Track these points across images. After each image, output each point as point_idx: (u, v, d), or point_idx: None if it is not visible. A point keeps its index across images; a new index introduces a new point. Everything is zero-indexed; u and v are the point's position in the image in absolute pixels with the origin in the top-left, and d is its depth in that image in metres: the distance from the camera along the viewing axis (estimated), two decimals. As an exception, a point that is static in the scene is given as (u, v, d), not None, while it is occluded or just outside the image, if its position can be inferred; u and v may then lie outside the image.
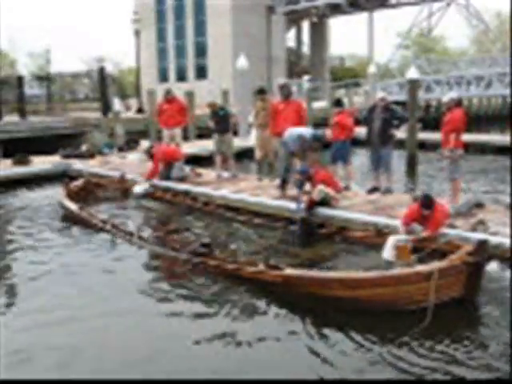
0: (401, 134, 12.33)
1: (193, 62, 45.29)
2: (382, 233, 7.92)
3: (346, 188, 10.47)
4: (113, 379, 4.70)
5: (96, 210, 10.47)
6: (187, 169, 12.63)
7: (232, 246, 8.08)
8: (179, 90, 22.99)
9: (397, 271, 6.08)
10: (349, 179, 10.89)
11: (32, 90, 27.10)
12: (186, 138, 19.07)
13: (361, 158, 16.60)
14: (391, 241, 7.24)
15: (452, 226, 7.57)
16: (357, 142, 11.83)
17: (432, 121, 29.51)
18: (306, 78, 31.01)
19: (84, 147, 17.30)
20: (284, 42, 46.80)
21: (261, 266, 6.61)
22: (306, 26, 52.65)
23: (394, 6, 46.52)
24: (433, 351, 4.94)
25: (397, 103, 15.14)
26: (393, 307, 5.74)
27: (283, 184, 10.37)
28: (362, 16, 47.28)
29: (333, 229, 8.67)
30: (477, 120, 34.11)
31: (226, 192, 10.80)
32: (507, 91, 31.17)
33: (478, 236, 6.81)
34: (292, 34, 52.96)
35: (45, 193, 13.09)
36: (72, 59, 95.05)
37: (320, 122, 23.03)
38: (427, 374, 4.61)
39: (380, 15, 60.37)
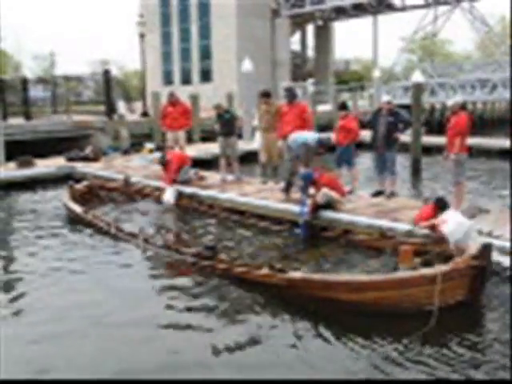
0: (405, 137, 12.33)
1: (197, 65, 45.36)
2: (386, 236, 7.92)
3: (351, 191, 10.46)
4: (113, 379, 4.71)
5: (100, 213, 10.50)
6: (191, 172, 12.64)
7: (237, 248, 8.11)
8: (184, 93, 23.05)
9: (401, 274, 6.08)
10: (353, 183, 10.88)
11: (37, 92, 27.14)
12: (190, 140, 19.11)
13: (365, 162, 16.59)
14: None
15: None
16: (361, 146, 11.82)
17: (436, 124, 29.52)
18: (310, 81, 31.00)
19: (88, 150, 17.33)
20: (289, 46, 46.82)
21: (265, 269, 6.61)
22: (310, 29, 52.66)
23: (398, 10, 46.51)
24: (437, 354, 4.94)
25: (401, 107, 15.16)
26: (397, 310, 5.74)
27: (288, 187, 10.37)
28: (367, 20, 47.34)
29: (337, 232, 8.67)
30: (481, 124, 34.06)
31: (232, 195, 10.81)
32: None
33: (482, 239, 6.80)
34: (297, 37, 52.96)
35: (49, 195, 13.13)
36: (76, 62, 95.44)
37: (324, 126, 23.08)
38: (431, 376, 4.61)
39: (385, 19, 60.49)
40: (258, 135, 11.88)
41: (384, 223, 8.26)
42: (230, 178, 12.39)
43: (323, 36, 50.46)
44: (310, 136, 10.17)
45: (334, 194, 9.02)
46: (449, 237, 6.73)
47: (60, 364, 4.96)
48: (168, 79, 47.07)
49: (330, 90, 39.72)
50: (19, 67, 61.72)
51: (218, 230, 9.68)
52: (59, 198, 11.64)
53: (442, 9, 44.72)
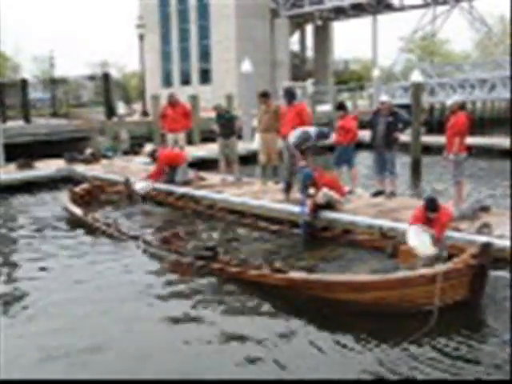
0: (405, 137, 12.33)
1: (197, 66, 45.40)
2: (386, 236, 7.92)
3: (351, 192, 10.45)
4: (113, 379, 4.72)
5: (100, 214, 10.49)
6: (191, 173, 12.63)
7: (236, 249, 8.11)
8: (183, 93, 23.05)
9: (401, 274, 6.07)
10: (353, 183, 10.88)
11: (36, 93, 27.17)
12: (190, 142, 19.11)
13: (365, 162, 16.59)
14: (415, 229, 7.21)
15: (456, 229, 7.56)
16: (361, 146, 11.82)
17: (436, 124, 29.52)
18: (309, 81, 31.02)
19: (88, 151, 17.34)
20: (288, 46, 46.87)
21: (265, 270, 6.62)
22: (309, 29, 52.71)
23: (397, 10, 46.55)
24: (437, 353, 4.94)
25: (401, 106, 15.16)
26: (397, 310, 5.74)
27: (287, 188, 10.37)
28: (366, 20, 47.37)
29: (337, 232, 8.67)
30: (480, 123, 34.06)
31: (229, 196, 10.83)
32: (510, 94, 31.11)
33: (483, 239, 6.80)
34: (296, 37, 53.03)
35: (49, 197, 13.12)
36: (75, 64, 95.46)
37: (324, 126, 23.05)
38: (431, 376, 4.61)
39: (384, 18, 60.47)
40: (258, 136, 11.87)
41: (384, 223, 8.26)
42: (230, 178, 12.39)
43: (322, 36, 50.51)
44: (309, 129, 10.20)
45: (333, 194, 9.02)
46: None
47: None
48: (167, 80, 47.11)
49: (329, 90, 39.75)
50: (18, 69, 61.70)
51: (218, 230, 9.67)
52: (59, 200, 11.63)
53: (441, 9, 44.78)
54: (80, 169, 15.21)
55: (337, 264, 7.57)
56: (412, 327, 5.33)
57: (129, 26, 49.06)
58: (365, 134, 11.04)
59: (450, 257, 6.28)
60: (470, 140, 9.85)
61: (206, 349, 5.20)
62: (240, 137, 16.84)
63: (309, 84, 30.26)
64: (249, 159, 15.35)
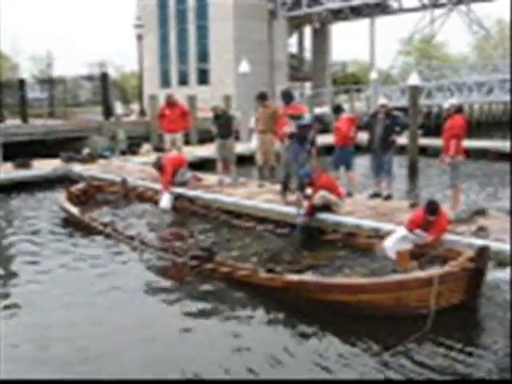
0: (402, 140, 12.34)
1: (195, 67, 45.34)
2: (383, 238, 7.91)
3: (348, 194, 10.45)
4: (113, 379, 4.72)
5: (97, 214, 10.48)
6: (188, 174, 12.62)
7: (233, 250, 8.11)
8: (181, 94, 23.04)
9: (398, 277, 6.08)
10: (351, 185, 10.88)
11: (34, 93, 27.12)
12: (187, 142, 19.11)
13: (362, 164, 16.60)
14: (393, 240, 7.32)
15: (453, 232, 7.57)
16: (358, 148, 11.82)
17: (433, 127, 29.56)
18: (307, 85, 31.04)
19: (85, 151, 17.33)
20: (286, 47, 46.84)
21: (261, 272, 6.61)
22: (307, 31, 52.73)
23: (395, 13, 46.59)
24: (433, 356, 4.94)
25: (398, 109, 15.17)
26: (394, 313, 5.74)
27: (284, 189, 10.37)
28: (364, 22, 47.41)
29: (334, 234, 8.67)
30: (478, 126, 34.15)
31: (227, 196, 10.83)
32: (508, 97, 31.20)
33: (479, 242, 6.81)
34: (294, 39, 53.03)
35: (46, 196, 13.10)
36: (74, 63, 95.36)
37: (322, 128, 23.07)
38: (427, 378, 4.61)
39: (382, 21, 60.61)
40: (255, 137, 11.88)
41: (381, 225, 8.26)
42: (227, 179, 12.38)
43: (320, 38, 50.49)
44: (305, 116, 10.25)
45: (331, 196, 9.01)
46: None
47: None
48: (165, 81, 47.04)
49: (327, 91, 39.76)
50: (16, 68, 61.59)
51: (214, 231, 9.66)
52: (56, 200, 11.62)
53: (439, 11, 44.83)
54: (77, 168, 15.19)
55: (333, 266, 7.57)
56: (408, 330, 5.34)
57: (128, 26, 49.00)
58: (361, 137, 11.03)
59: (446, 260, 6.28)
60: (467, 143, 9.86)
61: (199, 349, 5.20)
62: (238, 138, 16.86)
63: (307, 86, 30.26)
64: (246, 160, 15.36)
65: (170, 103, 14.21)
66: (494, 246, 6.77)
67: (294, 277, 6.40)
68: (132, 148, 19.19)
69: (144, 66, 30.27)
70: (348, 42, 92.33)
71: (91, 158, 16.59)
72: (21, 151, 16.82)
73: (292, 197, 9.92)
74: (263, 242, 8.77)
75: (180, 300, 6.46)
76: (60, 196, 11.30)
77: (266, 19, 44.04)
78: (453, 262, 5.90)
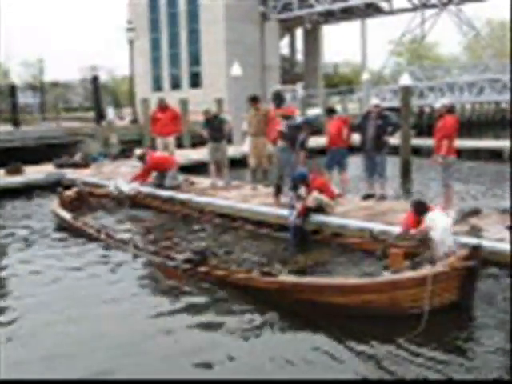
0: (395, 140, 12.36)
1: (187, 71, 45.39)
2: (376, 239, 7.92)
3: (341, 195, 10.45)
4: (113, 379, 4.73)
5: (90, 219, 10.44)
6: (180, 177, 12.60)
7: (226, 253, 8.08)
8: (173, 98, 23.03)
9: (391, 277, 6.08)
10: (344, 186, 10.88)
11: (26, 99, 27.08)
12: (180, 146, 19.10)
13: (355, 165, 16.62)
14: None
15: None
16: (351, 149, 11.85)
17: (425, 127, 29.66)
18: (299, 85, 31.09)
19: (78, 156, 17.28)
20: (278, 50, 46.97)
21: (255, 273, 6.60)
22: (299, 33, 52.87)
23: (386, 13, 46.77)
24: (428, 356, 4.94)
25: (390, 109, 15.19)
26: (387, 313, 5.74)
27: (277, 191, 10.36)
28: (356, 23, 47.57)
29: (327, 235, 8.67)
30: (469, 126, 34.27)
31: (220, 199, 10.83)
32: (499, 97, 31.38)
33: (473, 241, 6.82)
34: (286, 41, 53.16)
35: (38, 202, 13.05)
36: (65, 68, 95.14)
37: (315, 130, 23.07)
38: (422, 378, 4.61)
39: (373, 22, 60.81)
40: (248, 140, 11.87)
41: (374, 226, 8.27)
42: (220, 183, 12.37)
43: (312, 39, 50.68)
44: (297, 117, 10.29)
45: (324, 198, 9.01)
46: (439, 246, 6.73)
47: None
48: (157, 85, 47.06)
49: (319, 93, 39.84)
50: (8, 74, 61.37)
51: (208, 235, 9.64)
52: (48, 205, 11.57)
53: (430, 12, 45.06)
54: (70, 174, 15.14)
55: (327, 267, 7.58)
56: (402, 329, 5.34)
57: (119, 31, 48.91)
58: (354, 138, 11.04)
59: (440, 259, 6.28)
60: (459, 142, 9.89)
61: (194, 351, 5.19)
62: (230, 141, 16.85)
63: (299, 88, 30.31)
64: (239, 163, 15.34)
65: (162, 107, 14.20)
66: (488, 244, 6.79)
67: (288, 278, 6.40)
68: (125, 152, 19.16)
69: (136, 70, 30.25)
70: (340, 44, 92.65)
71: (84, 164, 16.54)
72: (12, 157, 16.73)
73: (285, 198, 9.91)
74: (257, 245, 8.76)
75: (172, 304, 6.43)
76: (53, 202, 11.25)
77: (258, 21, 44.16)
78: (446, 261, 5.91)
